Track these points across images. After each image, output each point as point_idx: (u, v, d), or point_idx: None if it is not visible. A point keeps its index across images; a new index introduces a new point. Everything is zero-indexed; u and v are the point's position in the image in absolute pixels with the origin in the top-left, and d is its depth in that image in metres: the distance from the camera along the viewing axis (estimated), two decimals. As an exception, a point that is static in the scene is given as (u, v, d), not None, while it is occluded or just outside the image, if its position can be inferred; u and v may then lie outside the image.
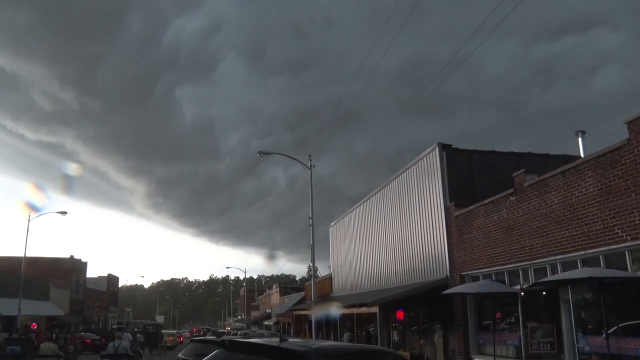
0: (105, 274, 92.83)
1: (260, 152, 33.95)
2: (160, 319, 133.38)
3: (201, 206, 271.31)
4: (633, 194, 12.31)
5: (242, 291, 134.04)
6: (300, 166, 34.08)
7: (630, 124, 12.36)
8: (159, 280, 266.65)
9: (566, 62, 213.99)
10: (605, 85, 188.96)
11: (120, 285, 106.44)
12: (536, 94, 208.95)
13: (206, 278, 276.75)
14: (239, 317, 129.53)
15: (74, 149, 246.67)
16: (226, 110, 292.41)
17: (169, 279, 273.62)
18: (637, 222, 12.19)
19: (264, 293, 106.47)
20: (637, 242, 12.22)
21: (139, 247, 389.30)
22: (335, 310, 29.77)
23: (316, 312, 33.39)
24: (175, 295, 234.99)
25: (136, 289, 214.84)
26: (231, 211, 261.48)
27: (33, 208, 47.03)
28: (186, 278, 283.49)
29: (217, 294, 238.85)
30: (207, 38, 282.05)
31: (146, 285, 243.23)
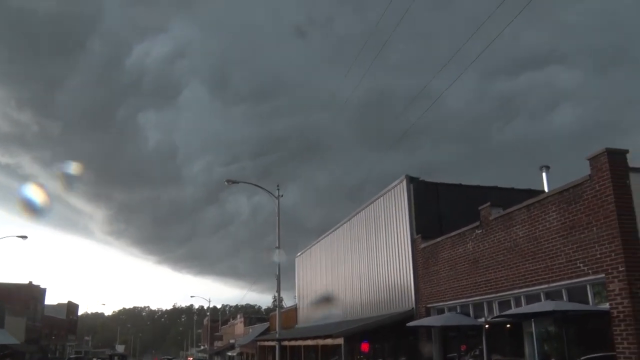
0: (65, 301, 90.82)
1: (228, 181, 33.85)
2: (120, 348, 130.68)
3: (163, 233, 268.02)
4: (595, 229, 12.59)
5: (205, 321, 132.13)
6: (264, 195, 34.04)
7: (592, 160, 12.70)
8: (121, 308, 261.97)
9: (525, 98, 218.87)
10: (563, 121, 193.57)
11: (80, 313, 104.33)
12: (497, 128, 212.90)
13: (169, 307, 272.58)
14: (202, 347, 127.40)
15: (32, 172, 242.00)
16: (190, 137, 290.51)
17: (131, 307, 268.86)
18: (599, 256, 12.44)
19: (228, 323, 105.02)
20: (599, 275, 12.47)
21: (100, 273, 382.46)
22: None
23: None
24: (137, 324, 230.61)
25: (97, 317, 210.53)
26: (194, 239, 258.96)
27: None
28: (148, 306, 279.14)
29: (180, 324, 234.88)
30: (171, 63, 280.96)
31: (107, 313, 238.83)
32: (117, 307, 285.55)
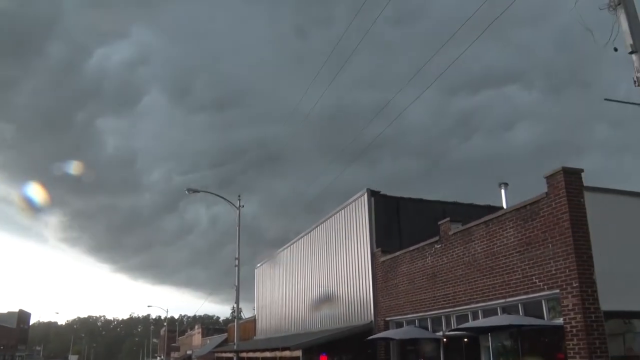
0: (16, 310, 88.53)
1: (189, 190, 33.62)
2: (73, 358, 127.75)
3: (120, 241, 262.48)
4: (550, 245, 12.87)
5: (162, 331, 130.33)
6: (224, 205, 33.98)
7: (548, 178, 13.01)
8: (75, 317, 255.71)
9: (484, 116, 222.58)
10: (520, 139, 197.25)
11: (32, 321, 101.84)
12: (456, 144, 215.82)
13: (126, 316, 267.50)
14: (158, 358, 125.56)
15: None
16: (149, 144, 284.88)
17: (86, 316, 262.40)
18: (554, 272, 12.72)
19: (186, 333, 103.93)
20: (554, 291, 12.74)
21: (53, 281, 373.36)
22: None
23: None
24: (91, 333, 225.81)
25: (49, 326, 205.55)
26: (152, 248, 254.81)
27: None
28: (104, 316, 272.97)
29: (136, 334, 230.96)
30: (132, 69, 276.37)
31: (61, 323, 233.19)
32: (71, 316, 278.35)
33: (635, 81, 8.15)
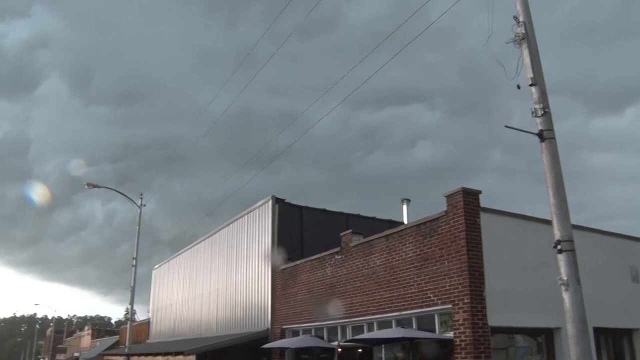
0: None
1: (88, 184, 32.44)
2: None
3: (6, 233, 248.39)
4: (446, 262, 13.37)
5: (48, 331, 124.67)
6: (121, 202, 33.27)
7: (448, 197, 13.52)
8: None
9: (387, 132, 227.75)
10: (421, 158, 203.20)
11: None
12: (359, 157, 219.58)
13: (8, 315, 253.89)
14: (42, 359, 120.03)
15: None
16: (45, 133, 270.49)
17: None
18: (448, 287, 13.22)
19: (74, 335, 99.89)
20: (446, 306, 13.24)
21: None
22: None
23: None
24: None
25: None
26: (41, 242, 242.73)
27: None
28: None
29: (19, 334, 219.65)
30: (30, 52, 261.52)
31: None
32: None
33: (533, 112, 8.66)
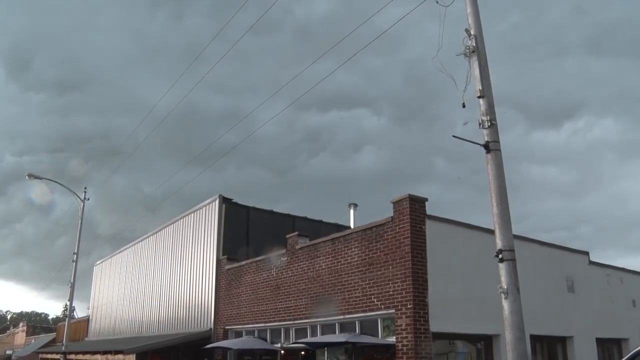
0: None
1: (30, 175, 31.43)
2: None
3: None
4: (391, 267, 13.54)
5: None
6: (60, 194, 32.46)
7: (395, 204, 13.71)
8: None
9: (332, 135, 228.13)
10: (366, 162, 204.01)
11: None
12: (304, 160, 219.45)
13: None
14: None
15: None
16: None
17: None
18: (391, 292, 13.39)
19: (7, 331, 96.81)
20: (389, 311, 13.41)
21: None
22: None
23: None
24: None
25: None
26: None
27: None
28: None
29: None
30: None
31: None
32: None
33: (480, 123, 8.87)
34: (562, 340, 17.38)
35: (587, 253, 19.05)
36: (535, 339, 15.35)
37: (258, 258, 19.73)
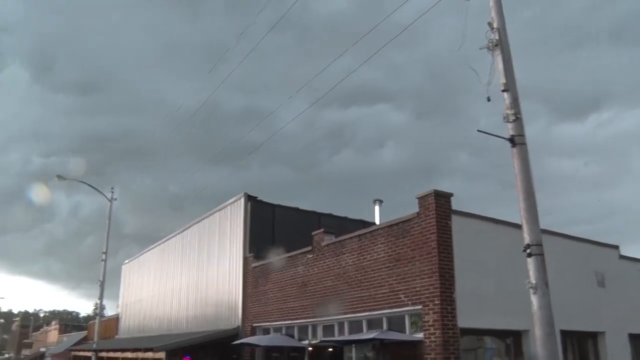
0: None
1: (59, 177, 31.91)
2: None
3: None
4: (417, 263, 13.47)
5: (14, 326, 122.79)
6: (87, 194, 32.84)
7: (420, 199, 13.62)
8: None
9: (354, 131, 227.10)
10: (389, 158, 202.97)
11: None
12: (326, 157, 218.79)
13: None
14: (7, 355, 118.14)
15: None
16: (7, 120, 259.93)
17: None
18: (419, 288, 13.32)
19: (41, 329, 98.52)
20: (417, 307, 13.34)
21: None
22: None
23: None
24: None
25: None
26: (5, 234, 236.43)
27: None
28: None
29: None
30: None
31: None
32: None
33: (504, 117, 8.77)
34: (593, 336, 17.14)
35: (617, 247, 18.77)
36: (565, 334, 15.13)
37: (284, 255, 19.75)
